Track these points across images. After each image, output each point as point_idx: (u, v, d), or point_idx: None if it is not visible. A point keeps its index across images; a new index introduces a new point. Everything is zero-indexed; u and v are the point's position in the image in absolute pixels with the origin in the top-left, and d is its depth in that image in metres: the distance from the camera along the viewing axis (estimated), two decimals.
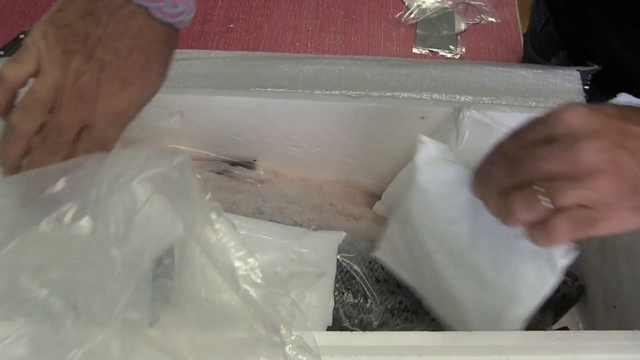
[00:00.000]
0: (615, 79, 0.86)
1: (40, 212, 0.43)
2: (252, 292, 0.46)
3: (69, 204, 0.44)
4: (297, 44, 1.07)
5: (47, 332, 0.42)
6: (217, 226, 0.47)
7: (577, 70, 0.82)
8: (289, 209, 0.69)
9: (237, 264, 0.47)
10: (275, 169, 0.75)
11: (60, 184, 0.45)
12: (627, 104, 0.63)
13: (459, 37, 1.09)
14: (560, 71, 0.81)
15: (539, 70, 0.81)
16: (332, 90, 0.73)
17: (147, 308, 0.44)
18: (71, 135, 0.50)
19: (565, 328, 0.76)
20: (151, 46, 0.53)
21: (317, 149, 0.73)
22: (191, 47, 1.02)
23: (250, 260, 0.47)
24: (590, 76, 0.81)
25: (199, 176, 0.47)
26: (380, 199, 0.75)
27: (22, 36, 0.95)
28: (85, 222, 0.43)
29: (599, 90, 0.85)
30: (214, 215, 0.47)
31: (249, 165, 0.74)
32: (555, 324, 0.76)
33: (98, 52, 0.50)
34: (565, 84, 0.79)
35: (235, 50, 1.01)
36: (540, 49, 0.99)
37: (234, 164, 0.74)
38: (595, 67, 0.84)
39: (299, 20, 1.11)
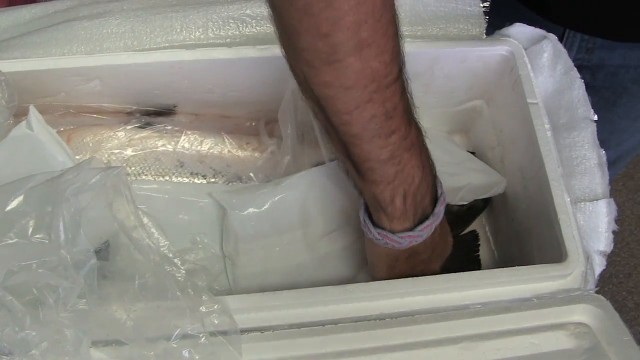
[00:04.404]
0: None
1: (4, 226, 0.69)
2: (175, 272, 0.75)
3: (28, 218, 0.70)
4: None
5: (11, 333, 0.66)
6: (145, 221, 0.75)
7: None
8: (208, 157, 0.96)
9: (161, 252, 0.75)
10: (195, 112, 1.00)
11: (18, 201, 0.71)
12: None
13: None
14: None
15: None
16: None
17: (94, 298, 0.69)
18: None
19: (473, 232, 1.06)
20: None
21: (232, 93, 0.98)
22: None
23: (172, 248, 0.75)
24: None
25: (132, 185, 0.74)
26: None
27: None
28: (43, 232, 0.70)
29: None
30: (142, 216, 0.74)
31: (169, 111, 1.00)
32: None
33: None
34: (465, 7, 0.99)
35: None
36: None
37: (155, 113, 0.98)
38: None
39: None
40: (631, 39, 1.05)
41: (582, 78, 0.95)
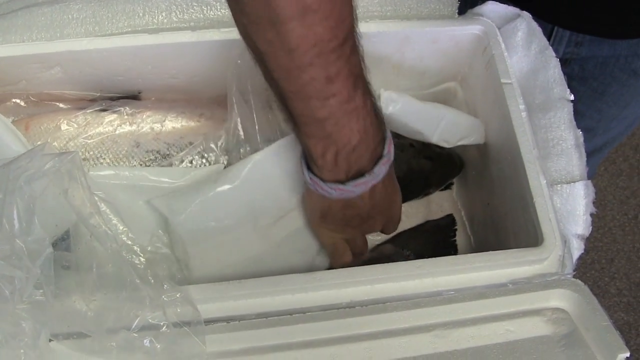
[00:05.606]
0: None
1: None
2: (135, 259, 0.72)
3: None
4: None
5: None
6: (102, 208, 0.72)
7: None
8: (162, 134, 0.93)
9: (120, 239, 0.72)
10: (160, 97, 0.98)
11: None
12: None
13: None
14: None
15: None
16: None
17: (51, 289, 0.67)
18: None
19: (450, 216, 1.04)
20: None
21: (197, 77, 0.95)
22: None
23: (131, 236, 0.72)
24: None
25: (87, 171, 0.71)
26: None
27: None
28: None
29: None
30: (99, 202, 0.71)
31: (134, 97, 0.96)
32: (442, 212, 1.04)
33: None
34: None
35: None
36: None
37: (119, 99, 0.95)
38: None
39: None
40: (620, 36, 1.03)
41: (571, 70, 0.93)
